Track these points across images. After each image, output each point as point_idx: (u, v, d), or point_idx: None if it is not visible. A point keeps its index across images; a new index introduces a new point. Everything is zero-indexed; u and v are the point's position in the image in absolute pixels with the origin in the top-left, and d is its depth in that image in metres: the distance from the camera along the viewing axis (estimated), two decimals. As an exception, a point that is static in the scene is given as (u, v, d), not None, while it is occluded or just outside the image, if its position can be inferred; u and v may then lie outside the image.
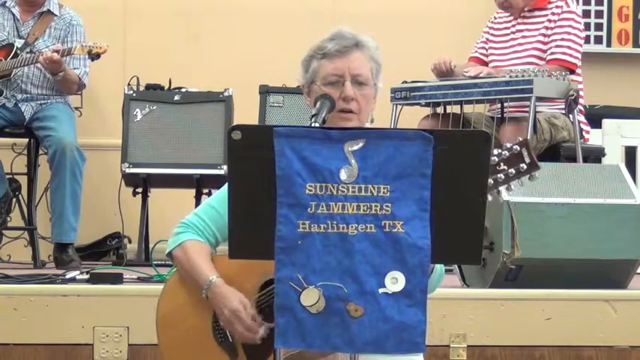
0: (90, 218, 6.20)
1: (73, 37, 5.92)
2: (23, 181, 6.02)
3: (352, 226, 2.43)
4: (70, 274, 4.63)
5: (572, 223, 4.52)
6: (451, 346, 4.26)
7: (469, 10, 6.90)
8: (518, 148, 2.89)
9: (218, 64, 6.80)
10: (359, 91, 2.97)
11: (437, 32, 6.96)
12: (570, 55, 5.66)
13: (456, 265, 4.59)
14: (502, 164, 2.89)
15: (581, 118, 5.72)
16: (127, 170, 5.93)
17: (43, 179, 5.95)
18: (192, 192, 6.02)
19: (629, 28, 7.21)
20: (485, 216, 2.48)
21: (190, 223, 3.09)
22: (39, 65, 5.75)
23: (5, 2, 5.98)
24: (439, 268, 2.95)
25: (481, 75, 5.55)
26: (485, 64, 5.88)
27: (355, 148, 2.44)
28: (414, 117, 5.73)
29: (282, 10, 6.96)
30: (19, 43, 5.88)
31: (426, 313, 2.44)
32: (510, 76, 5.36)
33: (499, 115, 5.56)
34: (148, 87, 6.12)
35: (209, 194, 5.96)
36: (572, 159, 5.51)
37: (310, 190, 2.44)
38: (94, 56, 5.75)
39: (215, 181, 5.83)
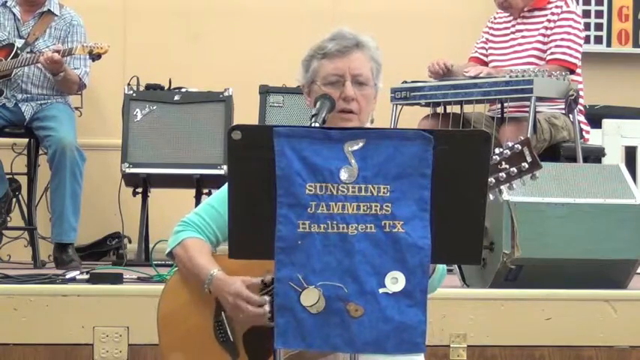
0: (90, 218, 6.20)
1: (73, 37, 5.92)
2: (23, 181, 6.02)
3: (352, 226, 2.43)
4: (70, 274, 4.63)
5: (572, 223, 4.52)
6: (451, 346, 4.26)
7: (469, 10, 6.90)
8: (520, 147, 2.89)
9: (218, 64, 6.80)
10: (359, 91, 2.97)
11: (437, 32, 6.96)
12: (570, 55, 5.66)
13: (456, 265, 4.59)
14: (504, 163, 2.89)
15: (581, 118, 5.72)
16: (127, 170, 5.93)
17: (43, 179, 5.95)
18: (192, 192, 6.02)
19: (629, 28, 7.21)
20: (485, 216, 2.48)
21: (190, 221, 3.09)
22: (39, 65, 5.75)
23: (6, 2, 5.98)
24: (441, 268, 2.94)
25: (481, 75, 5.55)
26: (486, 64, 5.88)
27: (355, 148, 2.44)
28: (414, 117, 5.73)
29: (282, 10, 6.96)
30: (19, 42, 5.88)
31: (427, 313, 2.44)
32: (510, 76, 5.36)
33: (499, 115, 5.56)
34: (148, 87, 6.12)
35: (209, 194, 5.96)
36: (572, 159, 5.51)
37: (310, 190, 2.43)
38: (95, 56, 5.76)
39: (215, 181, 5.83)
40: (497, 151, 2.90)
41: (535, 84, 5.27)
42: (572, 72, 5.63)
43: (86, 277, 4.55)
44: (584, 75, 5.85)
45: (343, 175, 2.44)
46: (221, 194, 3.08)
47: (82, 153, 5.65)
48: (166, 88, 6.13)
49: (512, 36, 5.86)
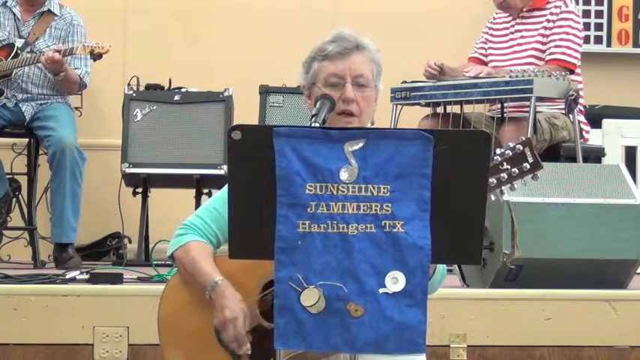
0: (90, 218, 6.21)
1: (73, 37, 5.92)
2: (23, 181, 6.01)
3: (352, 226, 2.43)
4: (70, 274, 4.63)
5: (572, 223, 4.52)
6: (451, 346, 4.26)
7: (469, 10, 6.90)
8: (521, 148, 2.90)
9: (218, 64, 6.80)
10: (359, 92, 2.97)
11: (437, 32, 6.96)
12: (570, 55, 5.66)
13: (456, 265, 4.59)
14: (505, 164, 2.89)
15: (581, 118, 5.72)
16: (127, 170, 5.93)
17: (43, 179, 5.95)
18: (192, 192, 6.02)
19: (629, 28, 7.21)
20: (486, 216, 2.48)
21: (191, 224, 3.09)
22: (40, 65, 5.75)
23: (6, 2, 5.98)
24: (441, 268, 2.94)
25: (481, 75, 5.55)
26: (485, 64, 5.88)
27: (355, 148, 2.44)
28: (414, 117, 5.73)
29: (282, 11, 6.96)
30: (19, 42, 5.88)
31: (427, 313, 2.44)
32: (510, 76, 5.36)
33: (499, 115, 5.56)
34: (148, 87, 6.12)
35: (209, 194, 5.97)
36: (572, 159, 5.51)
37: (310, 190, 2.43)
38: (96, 56, 5.75)
39: (215, 181, 5.83)
40: (498, 151, 2.90)
41: (535, 84, 5.28)
42: (572, 72, 5.63)
43: (86, 277, 4.55)
44: (584, 75, 5.86)
45: (343, 175, 2.44)
46: (222, 195, 3.08)
47: (82, 153, 5.66)
48: (166, 88, 6.13)
49: (511, 36, 5.86)
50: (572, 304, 4.36)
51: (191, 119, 5.97)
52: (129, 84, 6.11)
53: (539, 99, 5.36)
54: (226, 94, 6.00)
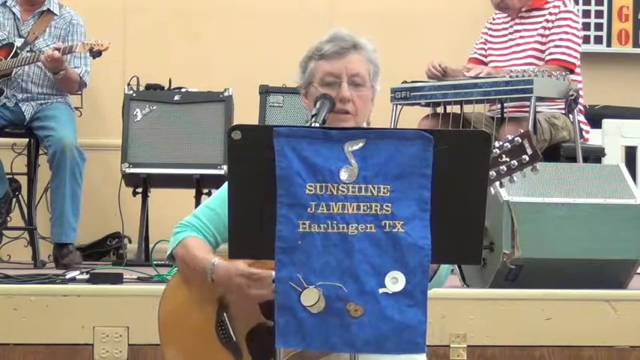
0: (90, 218, 6.21)
1: (73, 36, 5.92)
2: (23, 181, 6.01)
3: (352, 226, 2.43)
4: (70, 274, 4.63)
5: (572, 223, 4.52)
6: (451, 346, 4.26)
7: (469, 10, 6.90)
8: (520, 140, 2.89)
9: (218, 64, 6.80)
10: (356, 92, 2.96)
11: (437, 32, 6.96)
12: (569, 55, 5.66)
13: (456, 265, 4.59)
14: (504, 156, 2.89)
15: (581, 118, 5.72)
16: (127, 170, 5.93)
17: (43, 179, 5.95)
18: (192, 192, 6.02)
19: (629, 28, 7.21)
20: (485, 216, 2.48)
21: (189, 223, 3.09)
22: (40, 64, 5.75)
23: (6, 1, 5.98)
24: (445, 268, 2.94)
25: (481, 75, 5.55)
26: (485, 65, 5.88)
27: (355, 148, 2.44)
28: (414, 117, 5.73)
29: (282, 10, 6.96)
30: (19, 42, 5.88)
31: (427, 313, 2.44)
32: (510, 76, 5.36)
33: (499, 115, 5.56)
34: (148, 87, 6.12)
35: (209, 194, 5.96)
36: (572, 159, 5.51)
37: (310, 190, 2.43)
38: (96, 54, 5.74)
39: (215, 181, 5.83)
40: (497, 144, 2.90)
41: (535, 84, 5.28)
42: (572, 72, 5.63)
43: (86, 277, 4.55)
44: (584, 75, 5.85)
45: (343, 175, 2.44)
46: (219, 195, 3.08)
47: (82, 153, 5.66)
48: (166, 88, 6.13)
49: (510, 36, 5.86)
50: (572, 304, 4.36)
51: (191, 119, 5.97)
52: (129, 84, 6.11)
53: (539, 99, 5.36)
54: (226, 94, 6.00)
